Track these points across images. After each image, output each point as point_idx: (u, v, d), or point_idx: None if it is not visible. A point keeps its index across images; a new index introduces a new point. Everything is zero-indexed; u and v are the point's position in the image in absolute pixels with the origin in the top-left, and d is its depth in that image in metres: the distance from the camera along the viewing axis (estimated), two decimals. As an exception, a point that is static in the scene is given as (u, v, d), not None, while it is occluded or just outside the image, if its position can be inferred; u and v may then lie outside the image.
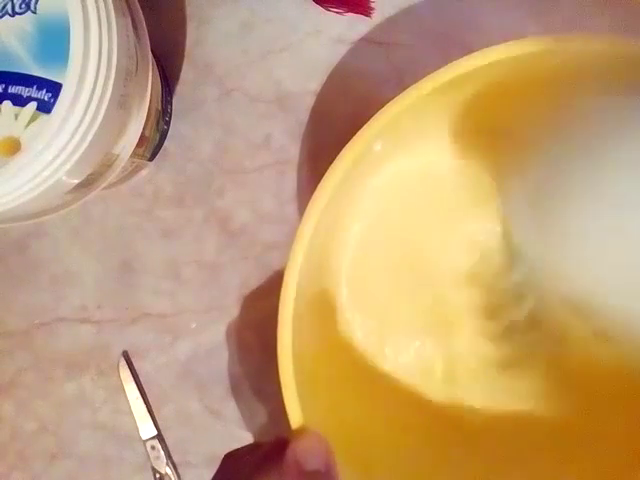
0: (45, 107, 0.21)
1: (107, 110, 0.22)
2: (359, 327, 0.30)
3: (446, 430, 0.29)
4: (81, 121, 0.21)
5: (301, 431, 0.23)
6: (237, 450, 0.23)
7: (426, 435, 0.29)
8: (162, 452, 0.33)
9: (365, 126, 0.23)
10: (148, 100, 0.26)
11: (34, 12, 0.21)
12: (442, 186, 0.30)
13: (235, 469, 0.22)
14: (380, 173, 0.29)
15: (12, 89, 0.21)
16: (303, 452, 0.21)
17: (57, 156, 0.21)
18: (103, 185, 0.26)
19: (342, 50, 0.32)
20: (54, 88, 0.21)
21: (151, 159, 0.32)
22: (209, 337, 0.33)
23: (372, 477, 0.26)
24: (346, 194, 0.26)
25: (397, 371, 0.30)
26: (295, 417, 0.23)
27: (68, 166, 0.22)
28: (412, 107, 0.23)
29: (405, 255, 0.31)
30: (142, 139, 0.27)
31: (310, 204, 0.23)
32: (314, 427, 0.23)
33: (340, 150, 0.33)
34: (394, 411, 0.29)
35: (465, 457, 0.28)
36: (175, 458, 0.34)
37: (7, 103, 0.22)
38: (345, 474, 0.21)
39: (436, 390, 0.30)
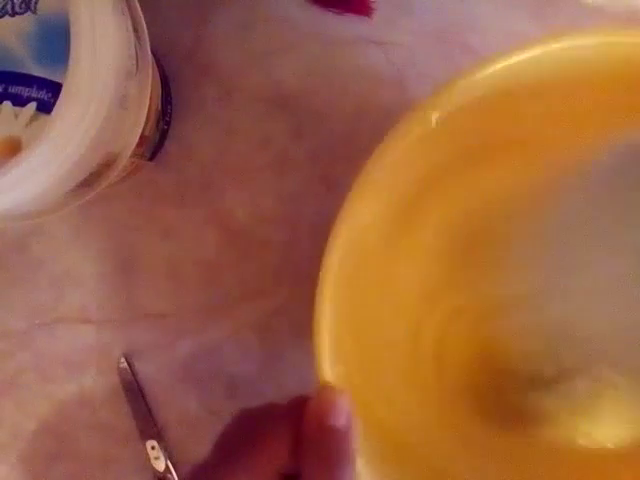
0: (45, 107, 0.21)
1: (107, 110, 0.22)
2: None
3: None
4: (81, 121, 0.21)
5: (327, 387, 0.22)
6: (252, 407, 0.23)
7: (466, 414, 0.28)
8: (162, 452, 0.33)
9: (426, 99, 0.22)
10: (148, 100, 0.26)
11: (34, 12, 0.21)
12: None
13: (250, 423, 0.22)
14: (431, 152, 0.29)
15: (12, 89, 0.21)
16: (326, 405, 0.21)
17: (57, 156, 0.21)
18: (103, 185, 0.26)
19: (342, 50, 0.32)
20: (54, 88, 0.21)
21: (151, 159, 0.32)
22: (209, 337, 0.33)
23: (399, 450, 0.26)
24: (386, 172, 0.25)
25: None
26: (324, 372, 0.22)
27: (68, 166, 0.22)
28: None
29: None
30: (142, 139, 0.27)
31: (359, 181, 0.22)
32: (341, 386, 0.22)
33: (340, 150, 0.33)
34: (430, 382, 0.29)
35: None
36: (175, 458, 0.34)
37: (7, 103, 0.21)
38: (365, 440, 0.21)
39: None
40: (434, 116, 0.22)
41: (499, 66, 0.21)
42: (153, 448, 0.33)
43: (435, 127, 0.23)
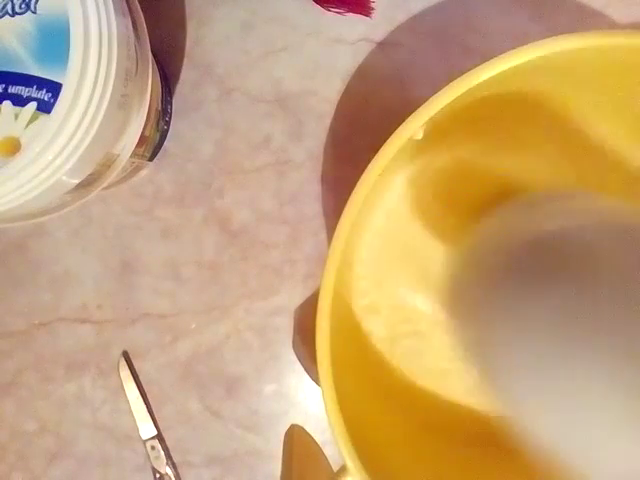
0: (45, 107, 0.21)
1: (107, 110, 0.22)
2: (375, 323, 0.30)
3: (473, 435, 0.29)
4: (81, 121, 0.21)
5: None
6: None
7: (449, 437, 0.28)
8: (162, 452, 0.33)
9: (414, 113, 0.22)
10: (148, 100, 0.26)
11: (34, 12, 0.21)
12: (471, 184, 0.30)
13: None
14: (414, 164, 0.29)
15: (12, 89, 0.21)
16: None
17: (57, 156, 0.21)
18: (103, 185, 0.26)
19: (342, 50, 0.32)
20: (54, 88, 0.21)
21: (151, 159, 0.32)
22: (209, 337, 0.33)
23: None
24: (379, 184, 0.25)
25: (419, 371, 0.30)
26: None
27: (68, 166, 0.22)
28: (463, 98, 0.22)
29: (423, 250, 0.31)
30: (142, 139, 0.27)
31: (353, 195, 0.22)
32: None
33: (340, 150, 0.33)
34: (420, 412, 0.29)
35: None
36: (175, 458, 0.34)
37: (7, 103, 0.21)
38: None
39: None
40: (420, 130, 0.22)
41: (477, 82, 0.21)
42: (153, 448, 0.33)
43: (421, 138, 0.23)
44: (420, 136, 0.23)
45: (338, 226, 0.22)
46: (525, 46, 0.21)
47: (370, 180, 0.22)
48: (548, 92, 0.25)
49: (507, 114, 0.26)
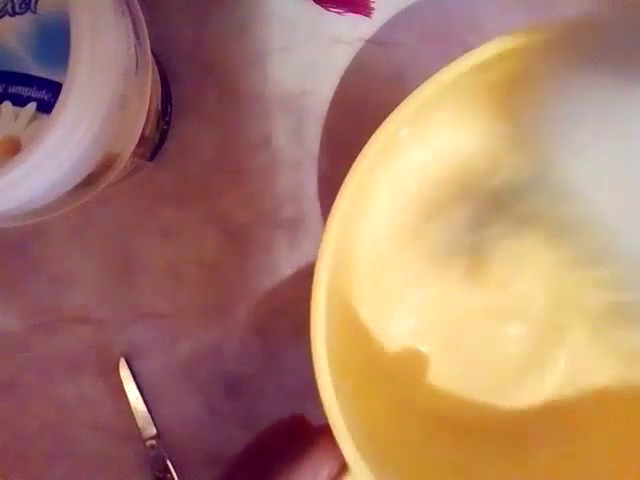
0: (45, 107, 0.21)
1: (107, 110, 0.22)
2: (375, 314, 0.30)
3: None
4: (81, 121, 0.21)
5: None
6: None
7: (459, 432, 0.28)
8: (162, 452, 0.33)
9: (396, 109, 0.23)
10: (148, 100, 0.26)
11: (34, 12, 0.21)
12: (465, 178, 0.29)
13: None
14: (403, 159, 0.29)
15: (12, 89, 0.21)
16: None
17: (57, 156, 0.21)
18: (103, 185, 0.26)
19: (342, 50, 0.32)
20: (54, 88, 0.21)
21: (151, 159, 0.32)
22: (209, 337, 0.34)
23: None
24: (368, 181, 0.25)
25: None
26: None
27: (68, 166, 0.22)
28: (444, 90, 0.23)
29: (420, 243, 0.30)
30: (142, 139, 0.27)
31: (340, 193, 0.23)
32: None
33: (340, 150, 0.33)
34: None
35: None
36: (175, 458, 0.34)
37: (7, 103, 0.21)
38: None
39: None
40: (403, 130, 0.23)
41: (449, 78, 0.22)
42: (153, 448, 0.33)
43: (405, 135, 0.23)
44: (405, 132, 0.23)
45: (328, 221, 0.23)
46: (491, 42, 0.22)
47: (358, 176, 0.22)
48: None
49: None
